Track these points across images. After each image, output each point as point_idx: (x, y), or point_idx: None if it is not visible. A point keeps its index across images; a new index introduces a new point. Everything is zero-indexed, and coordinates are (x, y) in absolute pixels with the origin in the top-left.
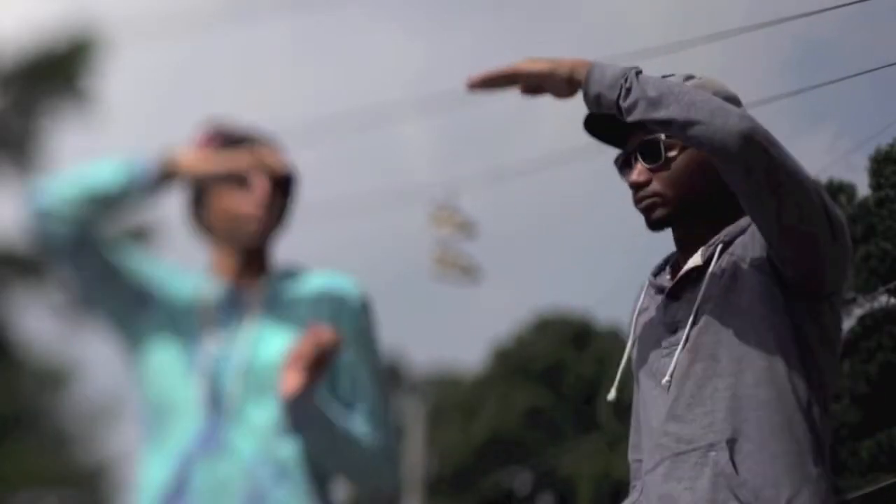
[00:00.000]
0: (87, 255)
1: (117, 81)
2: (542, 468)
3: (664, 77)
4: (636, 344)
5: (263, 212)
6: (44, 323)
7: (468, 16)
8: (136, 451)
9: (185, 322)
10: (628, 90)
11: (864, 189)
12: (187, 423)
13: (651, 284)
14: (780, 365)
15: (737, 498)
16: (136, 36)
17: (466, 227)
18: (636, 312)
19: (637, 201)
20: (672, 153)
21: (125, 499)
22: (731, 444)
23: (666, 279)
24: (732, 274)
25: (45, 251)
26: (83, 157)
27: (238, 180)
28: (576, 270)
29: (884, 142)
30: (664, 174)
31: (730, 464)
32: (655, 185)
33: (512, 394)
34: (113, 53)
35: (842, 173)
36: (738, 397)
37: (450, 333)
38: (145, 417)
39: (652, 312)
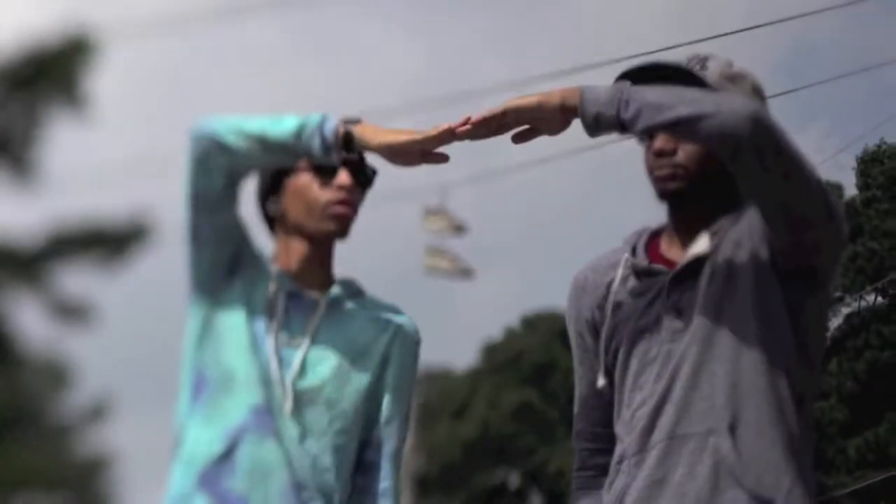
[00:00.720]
0: (230, 197)
1: (111, 81)
2: (531, 465)
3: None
4: (619, 325)
5: (348, 206)
6: (42, 322)
7: (464, 18)
8: (183, 418)
9: (257, 303)
10: (626, 102)
11: (851, 189)
12: (243, 399)
13: (629, 265)
14: (777, 355)
15: (739, 485)
16: (130, 36)
17: (458, 227)
18: (612, 293)
19: (655, 168)
20: None
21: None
22: (732, 430)
23: (644, 261)
24: (732, 261)
25: (198, 183)
26: (78, 156)
27: (327, 172)
28: (568, 269)
29: (871, 142)
30: (690, 147)
31: (732, 450)
32: (680, 156)
33: (502, 391)
34: (107, 54)
35: (831, 173)
36: (736, 383)
37: (441, 331)
38: (203, 383)
39: (640, 294)
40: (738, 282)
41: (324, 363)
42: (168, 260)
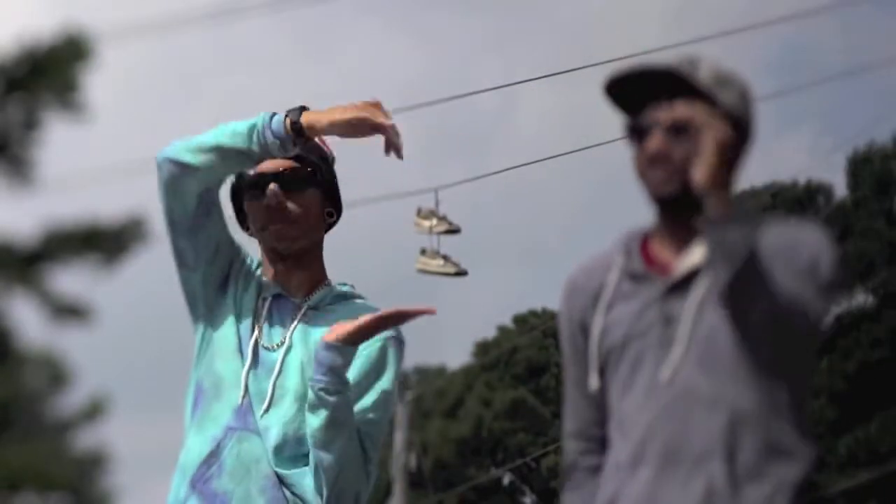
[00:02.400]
0: (206, 215)
1: (108, 82)
2: (524, 463)
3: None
4: (610, 328)
5: (277, 223)
6: (39, 321)
7: (462, 18)
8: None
9: (245, 309)
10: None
11: (842, 188)
12: (230, 400)
13: (624, 268)
14: (781, 383)
15: None
16: (126, 37)
17: (451, 228)
18: (605, 295)
19: (649, 171)
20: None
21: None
22: (728, 457)
23: (639, 264)
24: None
25: (171, 207)
26: (74, 157)
27: (256, 189)
28: (561, 268)
29: (862, 143)
30: (683, 152)
31: (725, 478)
32: (675, 160)
33: (495, 389)
34: (103, 55)
35: (823, 172)
36: (738, 410)
37: (434, 330)
38: (200, 393)
39: (632, 298)
40: (745, 304)
41: (294, 362)
42: (164, 260)
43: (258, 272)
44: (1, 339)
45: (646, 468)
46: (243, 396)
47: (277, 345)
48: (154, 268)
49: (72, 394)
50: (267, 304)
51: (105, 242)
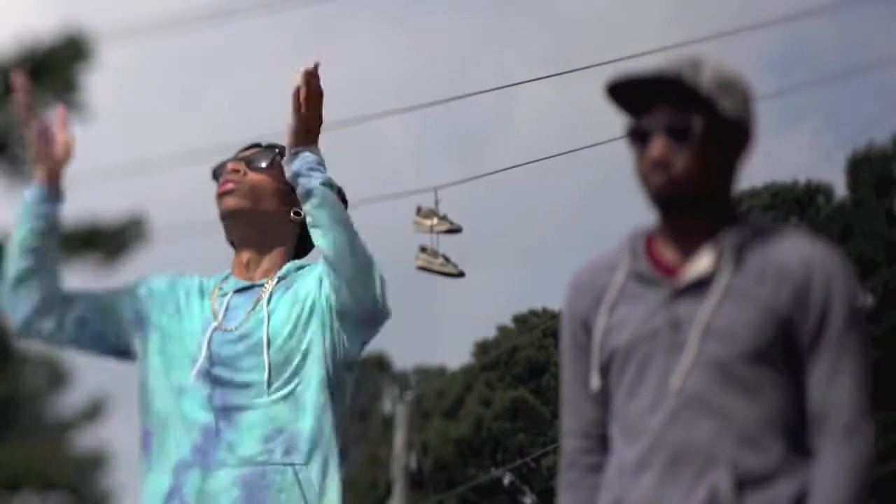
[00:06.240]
0: (65, 311)
1: (108, 82)
2: (524, 463)
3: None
4: (615, 328)
5: (229, 183)
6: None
7: (460, 16)
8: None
9: (187, 328)
10: None
11: (842, 188)
12: (181, 435)
13: (630, 269)
14: (790, 398)
15: None
16: (126, 37)
17: (451, 227)
18: (610, 295)
19: (651, 175)
20: (698, 135)
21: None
22: (733, 464)
23: (646, 266)
24: (746, 293)
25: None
26: (74, 157)
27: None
28: (561, 268)
29: (862, 142)
30: (686, 158)
31: (729, 486)
32: (677, 166)
33: (495, 389)
34: (103, 55)
35: (823, 170)
36: (745, 419)
37: (434, 330)
38: (149, 428)
39: (639, 300)
40: (755, 316)
41: (275, 325)
42: (164, 260)
43: (213, 280)
44: (1, 339)
45: (651, 472)
46: (202, 426)
47: (244, 323)
48: (154, 268)
49: (72, 394)
50: (227, 301)
51: (105, 242)
